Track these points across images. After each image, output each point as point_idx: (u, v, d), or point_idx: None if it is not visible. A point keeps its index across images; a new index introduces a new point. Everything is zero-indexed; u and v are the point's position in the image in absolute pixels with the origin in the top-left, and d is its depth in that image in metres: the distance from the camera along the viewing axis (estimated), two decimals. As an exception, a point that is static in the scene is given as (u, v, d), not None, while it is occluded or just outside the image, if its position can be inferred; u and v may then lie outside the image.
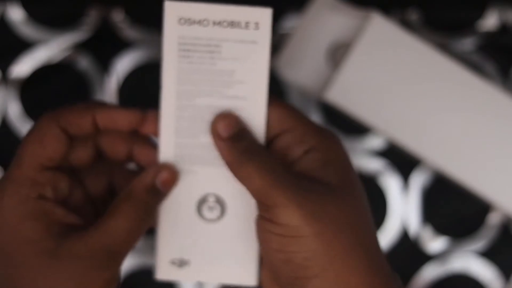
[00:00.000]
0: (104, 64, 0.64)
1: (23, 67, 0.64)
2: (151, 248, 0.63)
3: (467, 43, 0.65)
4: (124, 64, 0.65)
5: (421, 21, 0.65)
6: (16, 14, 0.65)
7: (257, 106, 0.37)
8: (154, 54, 0.65)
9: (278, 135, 0.37)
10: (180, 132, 0.38)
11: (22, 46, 0.65)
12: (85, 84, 0.64)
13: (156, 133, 0.39)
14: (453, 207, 0.64)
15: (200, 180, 0.38)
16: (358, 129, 0.64)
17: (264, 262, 0.38)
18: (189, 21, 0.37)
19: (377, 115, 0.61)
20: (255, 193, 0.35)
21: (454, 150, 0.61)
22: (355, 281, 0.34)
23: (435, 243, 0.64)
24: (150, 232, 0.64)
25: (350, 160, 0.37)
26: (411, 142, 0.61)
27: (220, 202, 0.39)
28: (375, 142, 0.64)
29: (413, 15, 0.65)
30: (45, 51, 0.65)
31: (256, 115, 0.37)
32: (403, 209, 0.64)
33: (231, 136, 0.37)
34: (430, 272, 0.63)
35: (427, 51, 0.61)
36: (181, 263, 0.39)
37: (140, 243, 0.63)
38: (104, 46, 0.65)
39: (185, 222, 0.39)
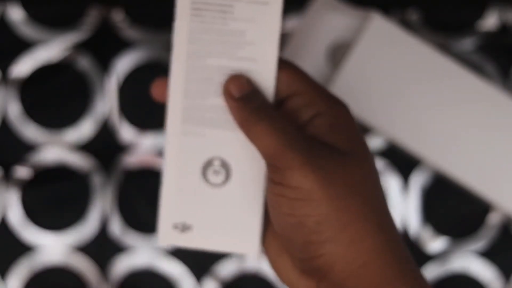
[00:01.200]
0: (104, 64, 0.65)
1: (23, 67, 0.65)
2: (151, 247, 0.63)
3: (467, 43, 0.65)
4: (124, 64, 0.65)
5: (421, 21, 0.65)
6: (16, 14, 0.65)
7: (267, 68, 0.37)
8: (154, 54, 0.65)
9: (287, 98, 0.37)
10: (189, 93, 0.37)
11: (22, 46, 0.65)
12: (85, 84, 0.64)
13: (161, 97, 0.39)
14: (453, 207, 0.64)
15: (206, 142, 0.38)
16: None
17: (274, 229, 0.38)
18: None
19: (377, 115, 0.61)
20: (266, 153, 0.35)
21: (454, 150, 0.61)
22: (367, 245, 0.34)
23: (435, 243, 0.64)
24: (149, 231, 0.64)
25: (357, 127, 0.37)
26: (411, 142, 0.61)
27: (225, 166, 0.38)
28: (375, 142, 0.64)
29: (413, 15, 0.65)
30: (45, 51, 0.65)
31: (265, 77, 0.37)
32: (403, 209, 0.64)
33: (243, 96, 0.36)
34: (430, 272, 0.63)
35: (427, 51, 0.61)
36: (184, 228, 0.38)
37: (141, 243, 0.63)
38: (104, 46, 0.65)
39: (189, 186, 0.38)
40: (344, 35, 0.63)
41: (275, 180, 0.35)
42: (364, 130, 0.64)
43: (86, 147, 0.64)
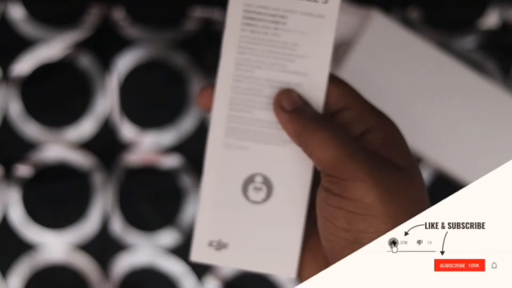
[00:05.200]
0: (105, 62, 0.65)
1: (24, 65, 0.65)
2: (152, 246, 0.63)
3: (468, 42, 0.65)
4: (125, 62, 0.65)
5: (422, 20, 0.65)
6: (17, 13, 0.65)
7: (317, 83, 0.36)
8: (155, 52, 0.65)
9: (336, 112, 0.36)
10: (234, 104, 0.36)
11: (23, 44, 0.65)
12: (86, 82, 0.64)
13: (207, 106, 0.37)
14: (454, 206, 0.64)
15: (249, 157, 0.36)
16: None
17: (311, 249, 0.36)
18: None
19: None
20: (326, 163, 0.33)
21: (454, 148, 0.61)
22: None
23: (436, 242, 0.64)
24: (150, 229, 0.64)
25: (407, 143, 0.36)
26: (411, 141, 0.61)
27: (267, 183, 0.36)
28: (376, 140, 0.64)
29: (414, 14, 0.65)
30: (46, 50, 0.65)
31: (315, 91, 0.36)
32: (404, 207, 0.64)
33: (296, 108, 0.35)
34: (431, 270, 0.63)
35: (428, 49, 0.61)
36: (219, 246, 0.37)
37: (142, 241, 0.63)
38: (105, 44, 0.65)
39: (228, 202, 0.37)
40: (344, 34, 0.63)
41: (334, 191, 0.33)
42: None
43: (87, 146, 0.64)
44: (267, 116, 0.36)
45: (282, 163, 0.36)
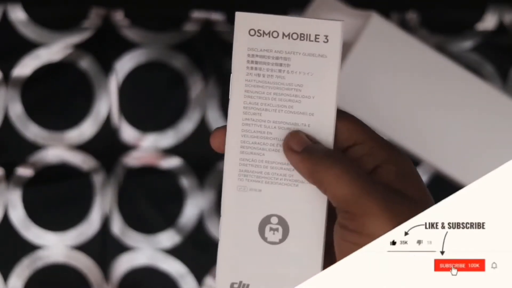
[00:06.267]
0: (105, 64, 0.65)
1: (24, 67, 0.65)
2: (152, 247, 0.64)
3: (466, 44, 0.65)
4: (124, 64, 0.65)
5: (420, 23, 0.65)
6: (18, 16, 0.65)
7: (325, 121, 0.36)
8: (155, 54, 0.65)
9: (347, 148, 0.36)
10: (245, 147, 0.37)
11: (23, 47, 0.65)
12: (86, 84, 0.65)
13: (220, 148, 0.38)
14: (452, 206, 0.64)
15: (263, 199, 0.37)
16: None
17: None
18: (259, 33, 0.36)
19: (377, 115, 0.61)
20: (340, 200, 0.34)
21: (453, 149, 0.61)
22: None
23: (435, 242, 0.64)
24: (150, 231, 0.64)
25: (420, 175, 0.36)
26: (410, 142, 0.62)
27: (283, 224, 0.37)
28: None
29: (412, 17, 0.65)
30: (47, 52, 0.65)
31: (324, 130, 0.36)
32: (403, 208, 0.64)
33: (306, 148, 0.35)
34: (430, 271, 0.64)
35: (426, 50, 0.61)
36: None
37: (141, 242, 0.64)
38: (105, 46, 0.65)
39: (246, 244, 0.38)
40: (343, 35, 0.63)
41: (349, 227, 0.33)
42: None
43: (87, 147, 0.64)
44: (278, 157, 0.37)
45: (295, 203, 0.37)
